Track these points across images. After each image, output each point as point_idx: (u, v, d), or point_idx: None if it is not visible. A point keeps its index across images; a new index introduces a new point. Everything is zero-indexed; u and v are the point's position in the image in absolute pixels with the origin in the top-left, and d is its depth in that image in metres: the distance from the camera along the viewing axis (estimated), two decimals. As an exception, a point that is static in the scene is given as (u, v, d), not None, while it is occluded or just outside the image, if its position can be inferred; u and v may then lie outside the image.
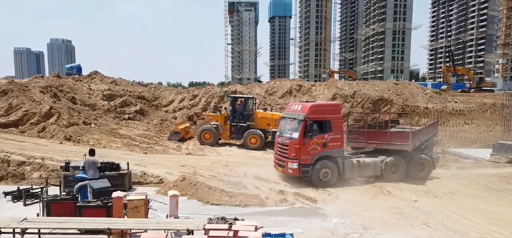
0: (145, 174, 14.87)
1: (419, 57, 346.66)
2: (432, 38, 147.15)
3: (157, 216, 9.51)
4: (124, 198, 8.68)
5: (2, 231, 7.30)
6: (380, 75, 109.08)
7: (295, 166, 14.36)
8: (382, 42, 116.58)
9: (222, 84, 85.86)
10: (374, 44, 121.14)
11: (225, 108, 25.55)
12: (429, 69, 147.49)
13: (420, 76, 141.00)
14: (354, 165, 14.79)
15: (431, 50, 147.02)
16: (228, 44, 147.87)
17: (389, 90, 30.75)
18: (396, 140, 15.09)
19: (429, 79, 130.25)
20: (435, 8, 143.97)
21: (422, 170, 15.25)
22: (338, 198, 12.64)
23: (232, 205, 11.78)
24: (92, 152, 11.96)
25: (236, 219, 8.05)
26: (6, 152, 15.92)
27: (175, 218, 8.64)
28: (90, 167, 11.28)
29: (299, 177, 14.41)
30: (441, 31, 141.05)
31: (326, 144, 14.48)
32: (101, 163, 13.06)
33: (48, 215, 8.90)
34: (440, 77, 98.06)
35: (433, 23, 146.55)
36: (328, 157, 14.60)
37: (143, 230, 7.17)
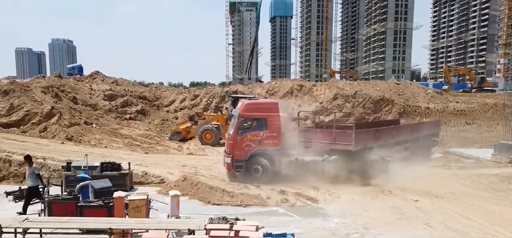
0: (146, 174, 14.89)
1: (420, 57, 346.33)
2: (433, 38, 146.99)
3: (158, 216, 9.53)
4: (125, 198, 8.69)
5: (4, 231, 7.32)
6: (381, 75, 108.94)
7: (229, 160, 14.85)
8: (383, 42, 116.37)
9: (223, 84, 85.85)
10: (375, 44, 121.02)
11: (226, 108, 25.58)
12: (431, 69, 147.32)
13: (421, 76, 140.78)
14: (292, 163, 14.69)
15: (432, 50, 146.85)
16: (229, 44, 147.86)
17: (390, 90, 30.73)
18: (340, 140, 14.82)
19: (430, 79, 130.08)
20: (437, 8, 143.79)
21: (371, 170, 14.81)
22: (340, 198, 12.63)
23: (233, 205, 11.78)
24: (27, 158, 11.29)
25: (237, 219, 8.06)
26: (8, 152, 15.94)
27: (176, 218, 8.64)
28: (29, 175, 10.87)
29: (232, 170, 14.90)
30: (442, 31, 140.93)
31: (261, 141, 14.69)
32: (102, 163, 13.13)
33: (50, 215, 8.94)
34: (442, 77, 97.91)
35: (435, 23, 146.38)
36: (264, 154, 14.74)
37: (144, 230, 7.18)
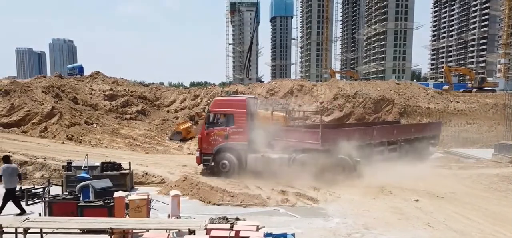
0: (146, 174, 14.90)
1: (420, 57, 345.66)
2: (434, 38, 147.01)
3: (158, 216, 9.53)
4: (126, 198, 8.70)
5: (5, 230, 7.33)
6: (382, 75, 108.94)
7: (198, 154, 15.79)
8: (383, 42, 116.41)
9: (223, 84, 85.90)
10: (375, 44, 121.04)
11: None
12: (431, 69, 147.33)
13: (421, 76, 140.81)
14: (258, 159, 14.91)
15: (432, 50, 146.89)
16: (229, 44, 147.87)
17: (391, 90, 30.72)
18: (308, 139, 14.84)
19: (431, 79, 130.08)
20: (437, 8, 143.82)
21: (341, 171, 14.59)
22: (340, 198, 12.62)
23: (234, 205, 11.78)
24: (6, 159, 11.10)
25: (237, 219, 8.08)
26: (8, 152, 15.91)
27: (177, 218, 8.64)
28: (7, 175, 10.58)
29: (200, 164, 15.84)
30: (443, 31, 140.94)
31: (227, 136, 15.30)
32: (103, 163, 13.14)
33: (50, 214, 8.94)
34: (442, 77, 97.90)
35: (435, 23, 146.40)
36: (230, 149, 15.24)
37: (145, 230, 7.19)
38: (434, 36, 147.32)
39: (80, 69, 57.00)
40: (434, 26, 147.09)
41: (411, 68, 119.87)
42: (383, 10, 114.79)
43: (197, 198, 12.30)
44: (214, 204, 11.84)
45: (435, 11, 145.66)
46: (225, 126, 15.40)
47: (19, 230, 7.45)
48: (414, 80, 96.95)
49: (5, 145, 17.49)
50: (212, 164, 15.46)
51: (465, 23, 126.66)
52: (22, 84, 25.98)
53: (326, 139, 14.52)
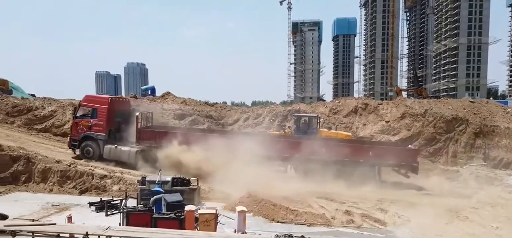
0: (212, 190, 15.43)
1: (497, 73, 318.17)
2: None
3: (224, 231, 9.84)
4: (195, 212, 9.14)
5: (90, 237, 8.06)
6: (453, 93, 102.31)
7: (68, 139, 19.63)
8: (455, 58, 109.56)
9: (284, 103, 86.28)
10: (446, 61, 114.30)
11: (289, 127, 25.72)
12: (510, 86, 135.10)
13: (499, 94, 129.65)
14: (111, 150, 18.39)
15: (511, 66, 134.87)
16: (291, 63, 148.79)
17: (464, 109, 28.78)
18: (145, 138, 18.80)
19: (509, 96, 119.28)
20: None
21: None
22: (410, 221, 12.07)
23: (297, 223, 11.80)
24: None
25: (303, 237, 8.09)
26: (91, 166, 17.48)
27: (243, 233, 8.88)
28: None
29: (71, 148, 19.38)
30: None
31: (91, 127, 18.90)
32: (173, 178, 13.88)
33: (128, 224, 9.63)
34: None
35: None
36: (92, 138, 18.78)
37: (213, 243, 7.48)
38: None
39: (153, 90, 60.78)
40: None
41: (486, 85, 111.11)
42: (454, 25, 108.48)
43: (260, 215, 12.49)
44: (277, 222, 11.94)
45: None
46: (90, 118, 18.92)
47: (102, 237, 8.14)
48: (491, 98, 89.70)
49: (88, 159, 19.15)
50: (78, 148, 18.89)
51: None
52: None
53: (141, 138, 18.61)
